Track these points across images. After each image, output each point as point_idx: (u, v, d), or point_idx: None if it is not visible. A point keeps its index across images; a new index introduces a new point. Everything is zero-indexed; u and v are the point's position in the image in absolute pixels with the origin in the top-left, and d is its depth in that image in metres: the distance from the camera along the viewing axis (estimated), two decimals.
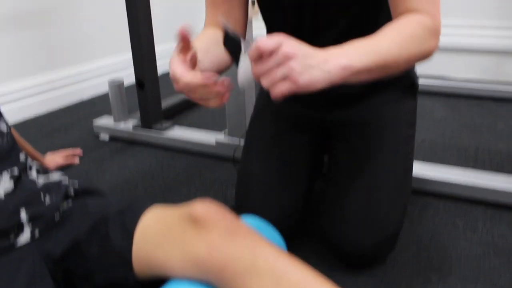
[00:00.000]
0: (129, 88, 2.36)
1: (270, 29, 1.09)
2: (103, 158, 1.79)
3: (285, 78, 0.64)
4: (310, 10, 0.95)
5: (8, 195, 0.94)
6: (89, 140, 1.98)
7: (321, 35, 0.97)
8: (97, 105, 2.52)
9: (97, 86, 2.72)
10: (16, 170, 1.02)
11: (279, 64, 0.64)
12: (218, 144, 1.69)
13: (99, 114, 2.30)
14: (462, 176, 1.38)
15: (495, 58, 2.67)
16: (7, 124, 1.16)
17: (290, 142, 1.12)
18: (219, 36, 0.90)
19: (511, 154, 1.68)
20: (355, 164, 1.05)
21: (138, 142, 1.89)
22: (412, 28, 0.78)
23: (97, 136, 2.00)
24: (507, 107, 2.23)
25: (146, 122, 1.84)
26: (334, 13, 0.94)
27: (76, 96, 2.61)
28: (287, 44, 0.64)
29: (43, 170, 1.13)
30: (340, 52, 0.69)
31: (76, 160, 1.75)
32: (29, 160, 1.12)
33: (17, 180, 0.98)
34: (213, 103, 0.72)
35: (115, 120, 1.94)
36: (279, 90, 0.65)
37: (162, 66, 2.16)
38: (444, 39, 2.65)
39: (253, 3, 1.55)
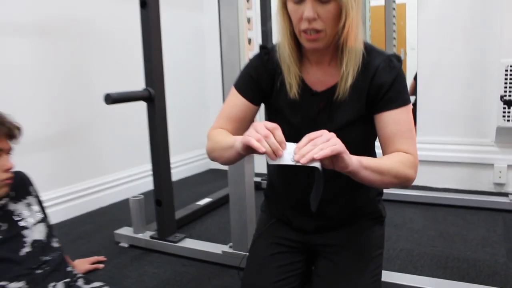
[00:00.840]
0: (144, 193, 2.67)
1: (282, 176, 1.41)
2: (123, 264, 2.06)
3: (329, 145, 0.93)
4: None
5: None
6: (110, 247, 2.26)
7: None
8: (115, 213, 2.83)
9: (114, 195, 3.07)
10: (69, 282, 1.32)
11: (328, 139, 0.95)
12: (224, 254, 1.97)
13: (118, 221, 2.60)
14: (430, 285, 1.65)
15: (470, 170, 3.02)
16: (57, 239, 1.48)
17: (286, 259, 1.39)
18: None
19: (476, 262, 1.95)
20: (334, 277, 1.32)
21: (155, 250, 2.17)
22: (400, 158, 1.13)
23: (117, 243, 2.28)
24: (478, 216, 2.52)
25: (162, 234, 2.14)
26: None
27: (97, 204, 2.94)
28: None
29: (87, 280, 1.43)
30: (357, 156, 1.03)
31: (101, 266, 2.02)
32: (75, 270, 1.44)
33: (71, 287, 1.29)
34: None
35: (134, 231, 2.24)
36: (324, 153, 0.92)
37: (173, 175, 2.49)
38: (426, 153, 3.08)
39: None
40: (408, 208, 2.71)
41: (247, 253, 1.47)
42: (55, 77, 2.64)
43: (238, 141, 1.05)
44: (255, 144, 0.96)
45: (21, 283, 1.29)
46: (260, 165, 3.52)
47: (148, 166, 3.25)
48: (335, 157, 0.96)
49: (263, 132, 0.97)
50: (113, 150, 3.09)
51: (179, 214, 2.49)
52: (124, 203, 3.01)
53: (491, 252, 2.05)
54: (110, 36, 3.00)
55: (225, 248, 1.99)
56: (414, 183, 2.90)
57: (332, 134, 0.97)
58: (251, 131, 0.99)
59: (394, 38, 3.91)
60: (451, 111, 3.07)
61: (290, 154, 0.96)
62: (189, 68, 3.79)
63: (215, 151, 1.21)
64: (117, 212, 2.84)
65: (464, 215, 2.56)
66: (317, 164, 0.92)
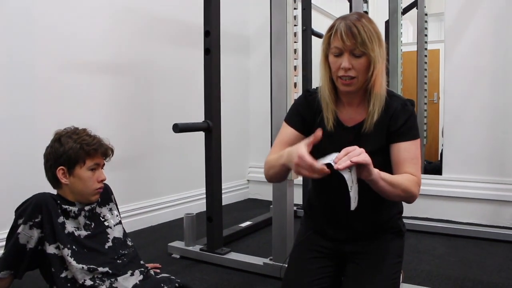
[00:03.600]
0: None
1: (318, 188, 1.72)
2: (176, 271, 2.37)
3: (361, 157, 1.23)
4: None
5: (141, 281, 1.60)
6: (163, 257, 2.60)
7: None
8: (164, 231, 3.18)
9: (162, 216, 3.44)
10: (143, 271, 1.67)
11: (359, 153, 1.24)
12: (265, 265, 2.27)
13: (168, 238, 2.94)
14: None
15: (491, 206, 3.26)
16: (130, 238, 1.85)
17: (320, 263, 1.68)
18: None
19: (490, 284, 2.18)
20: (360, 278, 1.60)
21: (203, 261, 2.49)
22: (408, 177, 1.43)
23: (170, 254, 2.61)
24: (497, 247, 2.74)
25: (211, 247, 2.46)
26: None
27: (148, 222, 3.30)
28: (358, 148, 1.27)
29: (155, 273, 1.77)
30: (377, 170, 1.32)
31: (157, 271, 2.34)
32: (145, 264, 1.78)
33: (145, 274, 1.63)
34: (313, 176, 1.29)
35: (186, 244, 2.56)
36: (357, 159, 1.22)
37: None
38: (451, 190, 3.33)
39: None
40: (432, 237, 2.96)
41: (286, 264, 1.77)
42: (120, 109, 3.06)
43: (284, 156, 1.41)
44: (301, 173, 1.30)
45: (106, 268, 1.62)
46: (296, 196, 3.82)
47: (194, 192, 3.64)
48: (362, 167, 1.26)
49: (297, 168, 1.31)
50: (166, 175, 3.48)
51: (224, 233, 2.81)
52: (171, 223, 3.37)
53: (506, 276, 2.27)
54: (168, 74, 3.43)
55: (266, 260, 2.29)
56: (439, 217, 3.20)
57: (362, 150, 1.28)
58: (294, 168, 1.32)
59: (426, 83, 4.23)
60: (475, 151, 3.33)
61: (332, 160, 1.27)
62: (234, 104, 4.18)
63: (271, 169, 1.54)
64: (166, 231, 3.18)
65: (483, 245, 2.78)
66: (346, 174, 1.24)
